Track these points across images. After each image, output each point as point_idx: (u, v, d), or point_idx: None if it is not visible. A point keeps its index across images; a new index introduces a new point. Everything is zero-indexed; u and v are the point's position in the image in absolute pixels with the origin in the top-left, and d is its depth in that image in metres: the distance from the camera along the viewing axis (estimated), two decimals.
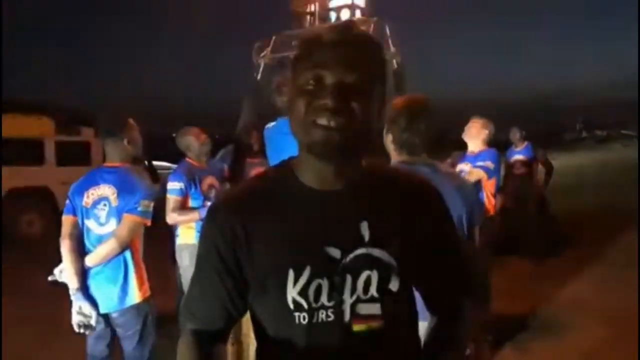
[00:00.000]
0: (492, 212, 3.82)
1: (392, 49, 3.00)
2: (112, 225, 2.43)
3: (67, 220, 2.51)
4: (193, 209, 3.51)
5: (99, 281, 2.44)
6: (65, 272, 2.43)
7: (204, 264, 0.97)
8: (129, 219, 2.40)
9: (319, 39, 0.89)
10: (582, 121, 32.74)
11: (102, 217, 2.44)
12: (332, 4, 2.95)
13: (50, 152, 8.25)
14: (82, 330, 2.41)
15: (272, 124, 2.95)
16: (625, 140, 24.44)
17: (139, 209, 2.40)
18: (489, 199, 3.77)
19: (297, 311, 0.89)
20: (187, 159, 3.66)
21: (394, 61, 3.02)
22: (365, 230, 0.90)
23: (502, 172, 4.46)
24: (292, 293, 0.89)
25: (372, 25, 2.88)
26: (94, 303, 2.42)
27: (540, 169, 5.93)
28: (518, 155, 5.82)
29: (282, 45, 3.08)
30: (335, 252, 0.90)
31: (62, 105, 10.16)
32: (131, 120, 2.56)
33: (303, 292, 0.89)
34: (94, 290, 2.45)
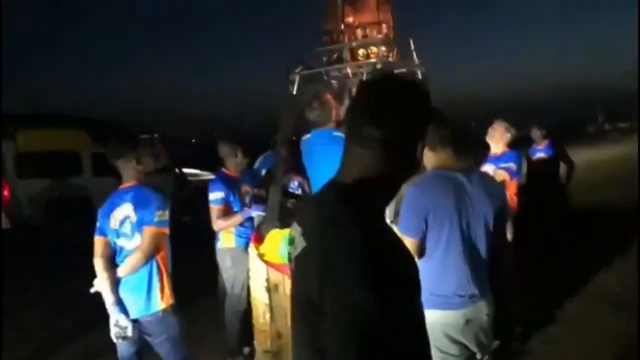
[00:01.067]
0: (515, 210, 4.01)
1: (417, 60, 3.22)
2: (137, 239, 2.69)
3: (98, 241, 2.79)
4: (235, 213, 3.83)
5: (127, 289, 2.71)
6: (101, 289, 2.71)
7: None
8: (148, 230, 2.67)
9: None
10: (603, 113, 32.24)
11: (129, 233, 2.72)
12: (359, 21, 3.18)
13: (87, 163, 8.67)
14: (119, 341, 2.68)
15: (307, 135, 3.21)
16: None
17: (155, 219, 2.67)
18: (512, 198, 3.97)
19: None
20: (224, 169, 3.98)
21: (419, 72, 3.24)
22: None
23: (525, 169, 4.65)
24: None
25: (398, 42, 3.12)
26: (126, 312, 2.68)
27: (562, 166, 6.05)
28: (540, 153, 5.95)
29: (315, 61, 3.33)
30: None
31: (93, 118, 10.60)
32: (140, 139, 2.88)
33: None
34: (123, 297, 2.71)
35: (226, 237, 3.89)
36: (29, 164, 8.07)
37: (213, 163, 4.44)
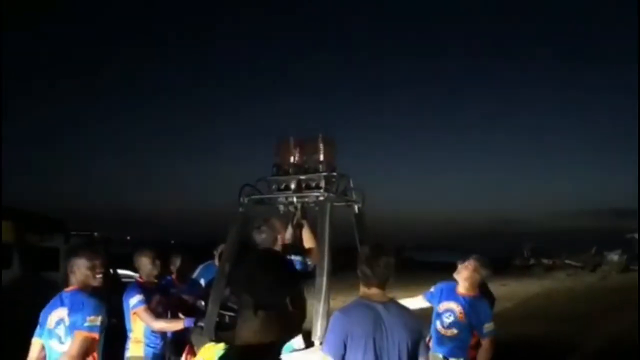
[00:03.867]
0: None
1: (354, 196, 3.66)
2: (68, 342, 2.76)
3: (35, 343, 2.88)
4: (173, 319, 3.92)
5: None
6: None
7: None
8: (78, 335, 2.76)
9: None
10: (529, 248, 34.47)
11: (62, 336, 2.79)
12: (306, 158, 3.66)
13: (17, 256, 8.35)
14: None
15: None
16: (570, 270, 25.86)
17: (86, 324, 2.76)
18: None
19: None
20: (138, 278, 4.07)
21: (356, 207, 3.66)
22: None
23: None
24: None
25: (338, 179, 3.56)
26: None
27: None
28: None
29: (265, 188, 3.70)
30: None
31: (34, 211, 10.36)
32: (90, 250, 3.02)
33: None
34: None
35: (135, 347, 3.88)
36: None
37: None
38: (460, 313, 4.01)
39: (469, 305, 4.02)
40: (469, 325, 3.99)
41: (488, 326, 3.95)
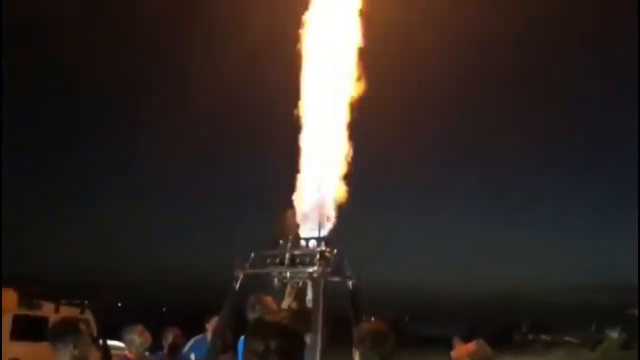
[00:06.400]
0: None
1: (349, 273, 3.72)
2: None
3: None
4: None
5: None
6: None
7: None
8: None
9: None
10: (528, 324, 33.59)
11: None
12: (303, 235, 3.73)
13: (6, 326, 8.18)
14: None
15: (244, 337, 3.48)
16: (569, 348, 25.17)
17: None
18: None
19: None
20: (127, 354, 4.09)
21: (350, 283, 3.71)
22: None
23: None
24: None
25: (332, 255, 3.63)
26: None
27: None
28: None
29: (259, 262, 3.75)
30: None
31: (29, 277, 10.24)
32: (80, 326, 2.95)
33: None
34: None
35: None
36: None
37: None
38: None
39: None
40: None
41: None
